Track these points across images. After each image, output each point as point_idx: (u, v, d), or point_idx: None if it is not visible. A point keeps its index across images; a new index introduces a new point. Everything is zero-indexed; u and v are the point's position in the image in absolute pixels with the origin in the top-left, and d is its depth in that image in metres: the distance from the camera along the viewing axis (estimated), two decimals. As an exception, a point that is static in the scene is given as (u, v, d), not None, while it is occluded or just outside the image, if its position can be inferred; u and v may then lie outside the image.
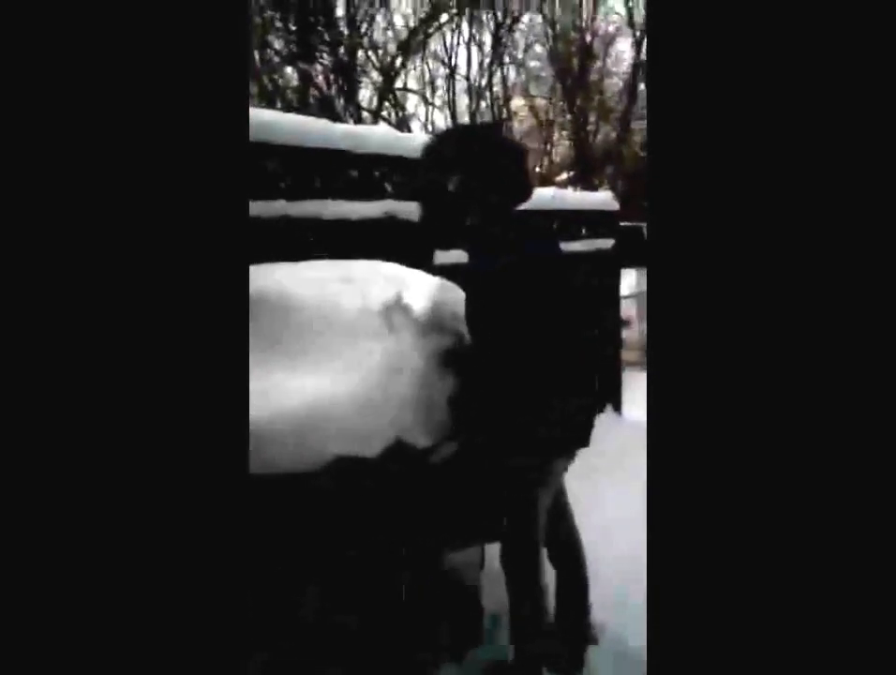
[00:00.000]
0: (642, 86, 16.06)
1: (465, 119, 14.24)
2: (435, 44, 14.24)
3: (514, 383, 1.64)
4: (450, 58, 14.53)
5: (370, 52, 12.49)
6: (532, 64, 15.87)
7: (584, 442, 1.79)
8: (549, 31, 15.30)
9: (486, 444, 1.76)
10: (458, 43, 14.48)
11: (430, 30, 12.96)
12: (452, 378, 1.84)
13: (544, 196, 4.11)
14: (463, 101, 14.69)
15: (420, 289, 2.05)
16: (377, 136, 2.88)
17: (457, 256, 3.38)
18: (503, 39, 14.39)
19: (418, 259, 2.59)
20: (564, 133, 16.77)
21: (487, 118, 15.23)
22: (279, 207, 2.49)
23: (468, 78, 14.50)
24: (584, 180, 14.99)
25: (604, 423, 2.15)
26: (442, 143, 1.75)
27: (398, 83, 13.19)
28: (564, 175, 16.58)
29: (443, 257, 2.91)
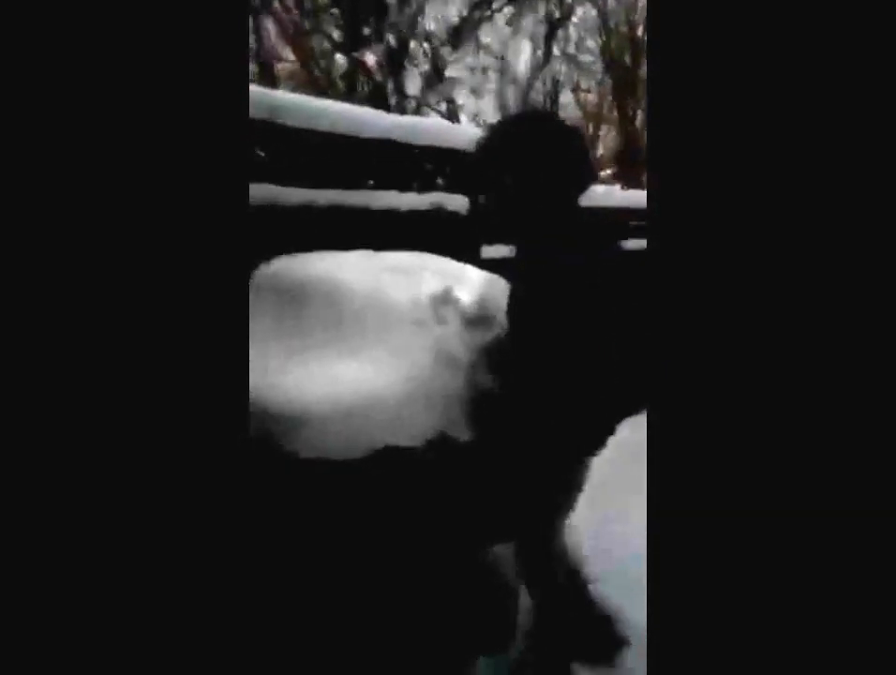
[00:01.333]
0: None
1: (513, 111, 14.14)
2: (486, 36, 14.16)
3: (564, 381, 1.61)
4: (502, 53, 14.41)
5: (422, 42, 12.47)
6: (583, 58, 15.68)
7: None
8: (602, 25, 15.09)
9: (526, 440, 1.75)
10: (510, 35, 14.35)
11: (481, 19, 12.86)
12: (498, 372, 1.84)
13: (594, 193, 4.08)
14: (512, 93, 14.57)
15: (468, 282, 2.06)
16: (428, 127, 2.89)
17: (504, 251, 3.38)
18: (556, 32, 14.24)
19: (465, 252, 2.59)
20: (611, 128, 16.55)
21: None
22: (330, 196, 2.51)
23: (507, 70, 14.38)
24: (630, 176, 14.77)
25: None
26: (499, 134, 1.70)
27: (449, 73, 13.13)
28: (608, 171, 16.38)
29: (490, 251, 2.91)
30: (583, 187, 1.63)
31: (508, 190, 1.59)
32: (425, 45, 12.72)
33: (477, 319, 1.88)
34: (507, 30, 13.72)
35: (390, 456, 1.50)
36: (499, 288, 2.07)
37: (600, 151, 17.21)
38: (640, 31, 15.52)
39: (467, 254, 2.61)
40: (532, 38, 14.42)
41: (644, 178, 14.89)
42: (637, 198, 4.71)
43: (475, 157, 1.71)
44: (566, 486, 1.72)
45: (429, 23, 13.24)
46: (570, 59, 15.30)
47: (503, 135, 1.64)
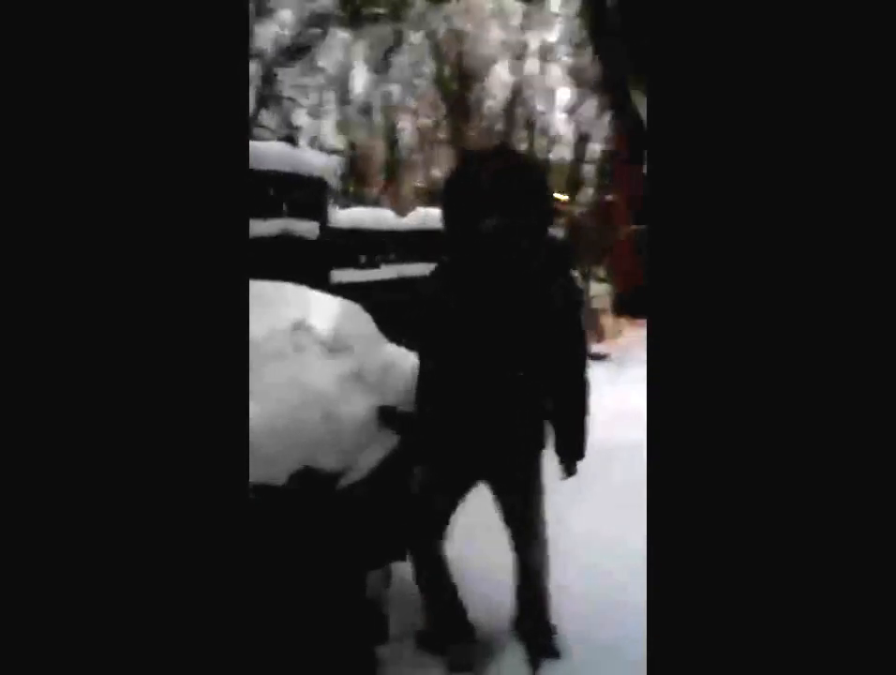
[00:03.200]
0: (519, 107, 16.72)
1: (357, 135, 14.20)
2: (322, 59, 14.14)
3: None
4: (342, 77, 14.47)
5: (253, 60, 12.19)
6: (418, 83, 16.12)
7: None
8: (433, 52, 15.62)
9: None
10: (345, 58, 14.45)
11: (314, 38, 12.83)
12: (359, 399, 1.84)
13: (433, 216, 4.20)
14: (350, 116, 14.66)
15: (323, 310, 2.04)
16: (271, 152, 2.84)
17: (356, 275, 3.38)
18: (390, 57, 14.53)
19: (315, 278, 2.57)
20: (448, 152, 17.12)
21: (378, 133, 15.26)
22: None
23: (346, 93, 14.49)
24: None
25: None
26: (472, 180, 1.70)
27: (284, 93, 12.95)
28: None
29: (340, 276, 2.90)
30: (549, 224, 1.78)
31: (487, 238, 1.65)
32: (257, 63, 12.46)
33: (335, 346, 1.87)
34: (342, 53, 13.80)
35: (252, 493, 1.45)
36: (357, 314, 2.06)
37: (437, 173, 17.72)
38: (468, 57, 16.25)
39: (317, 279, 2.58)
40: (367, 62, 14.61)
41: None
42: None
43: (448, 207, 1.76)
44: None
45: (260, 42, 13.00)
46: (405, 84, 15.67)
47: (479, 181, 1.68)
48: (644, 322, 7.04)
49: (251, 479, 1.47)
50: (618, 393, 4.72)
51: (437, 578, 1.95)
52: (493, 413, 1.75)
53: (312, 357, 1.78)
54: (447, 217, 1.77)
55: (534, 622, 1.98)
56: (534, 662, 1.95)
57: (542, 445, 1.87)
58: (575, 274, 1.90)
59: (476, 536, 2.18)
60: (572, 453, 1.89)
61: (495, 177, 1.66)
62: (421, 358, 1.85)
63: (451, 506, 1.91)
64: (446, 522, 1.93)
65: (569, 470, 1.91)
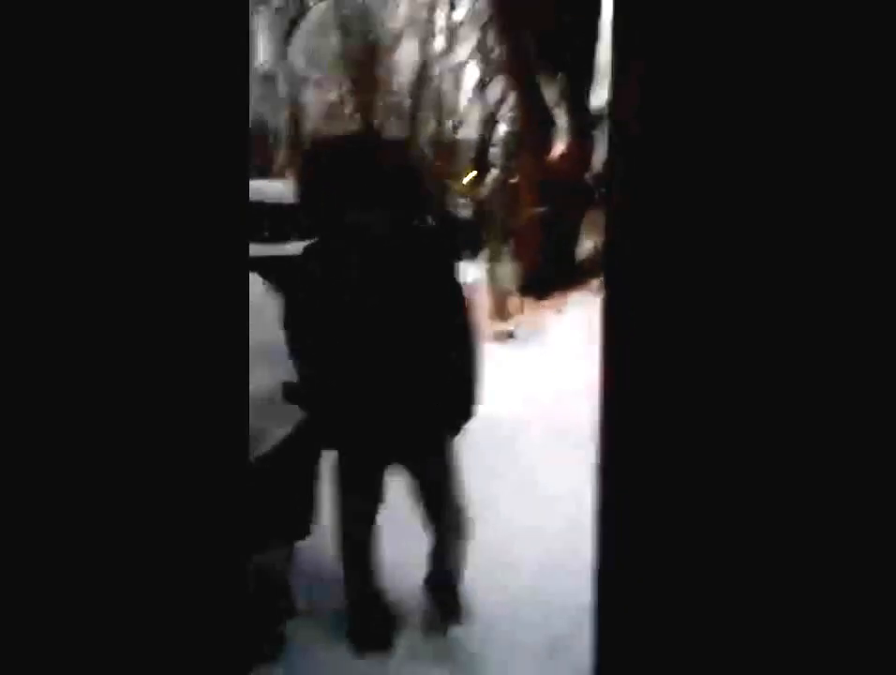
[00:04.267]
0: (426, 87, 16.64)
1: (260, 106, 13.72)
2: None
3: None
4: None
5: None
6: (322, 55, 15.72)
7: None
8: (338, 24, 15.26)
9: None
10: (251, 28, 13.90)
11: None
12: (262, 374, 1.80)
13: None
14: (254, 88, 14.11)
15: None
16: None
17: (260, 250, 3.29)
18: (294, 28, 14.09)
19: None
20: (352, 124, 16.83)
21: (280, 106, 14.77)
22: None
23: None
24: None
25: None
26: (331, 170, 1.64)
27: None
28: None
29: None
30: (421, 213, 1.75)
31: (347, 221, 1.62)
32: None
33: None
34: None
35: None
36: (255, 286, 2.02)
37: (343, 148, 17.46)
38: (374, 32, 15.99)
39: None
40: (271, 32, 14.11)
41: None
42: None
43: (308, 173, 1.69)
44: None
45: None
46: (309, 57, 15.26)
47: (342, 169, 1.61)
48: (545, 303, 7.25)
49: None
50: (523, 370, 4.88)
51: (361, 567, 1.96)
52: (395, 393, 1.73)
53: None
54: (305, 207, 1.71)
55: (443, 581, 2.03)
56: (441, 625, 2.01)
57: (453, 420, 1.86)
58: (455, 260, 1.86)
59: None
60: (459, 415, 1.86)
61: (356, 168, 1.61)
62: (297, 344, 1.80)
63: (370, 499, 1.90)
64: (371, 518, 1.92)
65: (454, 429, 1.88)
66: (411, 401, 1.75)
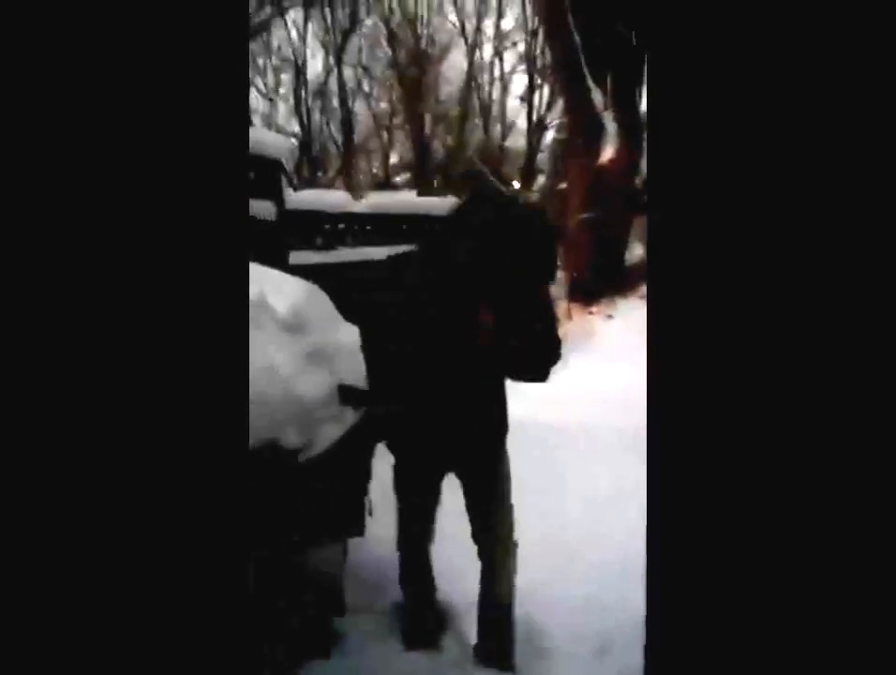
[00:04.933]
0: (474, 94, 16.72)
1: (314, 117, 14.03)
2: (277, 40, 13.92)
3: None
4: (295, 55, 14.20)
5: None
6: (373, 67, 15.98)
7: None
8: (388, 36, 15.48)
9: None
10: (301, 40, 14.22)
11: (269, 19, 12.60)
12: (317, 377, 1.86)
13: (392, 200, 4.22)
14: (305, 98, 14.43)
15: (282, 288, 2.05)
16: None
17: (314, 257, 3.38)
18: (347, 41, 14.36)
19: (273, 258, 2.57)
20: (403, 137, 17.03)
21: (335, 118, 15.08)
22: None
23: (302, 75, 14.26)
24: (421, 181, 15.30)
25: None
26: (481, 215, 1.75)
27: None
28: (402, 177, 16.85)
29: (298, 257, 2.90)
30: (546, 282, 1.81)
31: (471, 267, 1.69)
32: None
33: (295, 323, 1.89)
34: (297, 36, 13.59)
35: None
36: (315, 293, 2.08)
37: (393, 158, 17.63)
38: (424, 43, 16.16)
39: (274, 260, 2.58)
40: (324, 46, 14.41)
41: (435, 183, 15.51)
42: (431, 204, 4.92)
43: (450, 226, 1.85)
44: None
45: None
46: (362, 68, 15.52)
47: (486, 218, 1.72)
48: (593, 309, 7.20)
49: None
50: (572, 376, 4.85)
51: (419, 581, 1.99)
52: (454, 402, 1.77)
53: (271, 335, 1.80)
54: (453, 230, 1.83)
55: (495, 648, 1.97)
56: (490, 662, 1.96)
57: (505, 428, 1.89)
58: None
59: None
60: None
61: (506, 226, 1.71)
62: (375, 340, 1.87)
63: (427, 501, 1.93)
64: (428, 519, 1.95)
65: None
66: (470, 411, 1.79)
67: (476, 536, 1.93)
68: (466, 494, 1.92)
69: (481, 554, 1.93)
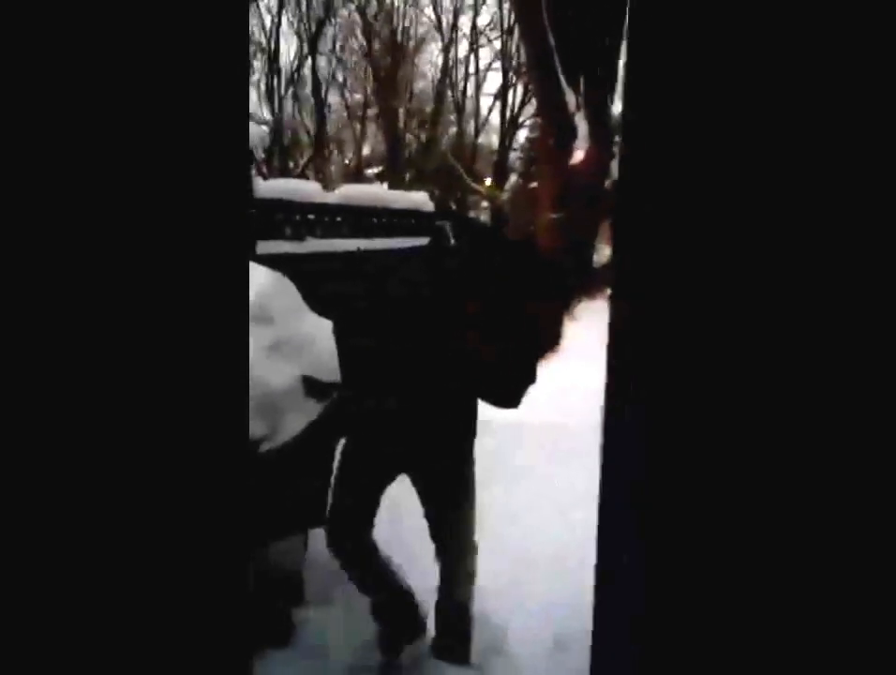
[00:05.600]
0: (448, 90, 16.71)
1: (286, 106, 13.88)
2: (251, 27, 13.71)
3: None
4: (269, 42, 14.00)
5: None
6: (347, 58, 15.85)
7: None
8: (364, 27, 15.37)
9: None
10: (276, 27, 14.02)
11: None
12: (283, 367, 1.87)
13: (364, 192, 4.21)
14: (278, 86, 14.26)
15: (249, 278, 2.05)
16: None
17: (284, 246, 3.37)
18: (321, 29, 14.21)
19: (241, 247, 2.55)
20: (376, 129, 16.94)
21: (307, 107, 14.93)
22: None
23: (274, 62, 14.08)
24: (393, 174, 15.25)
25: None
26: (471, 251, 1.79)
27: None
28: (373, 170, 16.77)
29: (267, 246, 2.88)
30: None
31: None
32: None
33: (259, 315, 1.89)
34: (270, 21, 13.40)
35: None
36: (282, 284, 2.08)
37: (365, 150, 17.53)
38: (399, 35, 16.08)
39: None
40: (298, 34, 14.25)
41: (407, 176, 15.46)
42: (401, 198, 4.93)
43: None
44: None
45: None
46: (336, 58, 15.39)
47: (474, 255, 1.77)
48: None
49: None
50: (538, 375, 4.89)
51: (369, 572, 1.88)
52: (420, 404, 1.72)
53: (237, 324, 1.80)
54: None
55: (453, 644, 1.95)
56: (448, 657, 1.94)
57: (473, 433, 1.84)
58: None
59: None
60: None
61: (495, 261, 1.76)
62: (348, 335, 1.85)
63: (371, 494, 1.84)
64: (367, 511, 1.85)
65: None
66: (436, 414, 1.74)
67: (434, 537, 1.88)
68: (422, 497, 1.85)
69: (439, 554, 1.89)
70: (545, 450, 3.50)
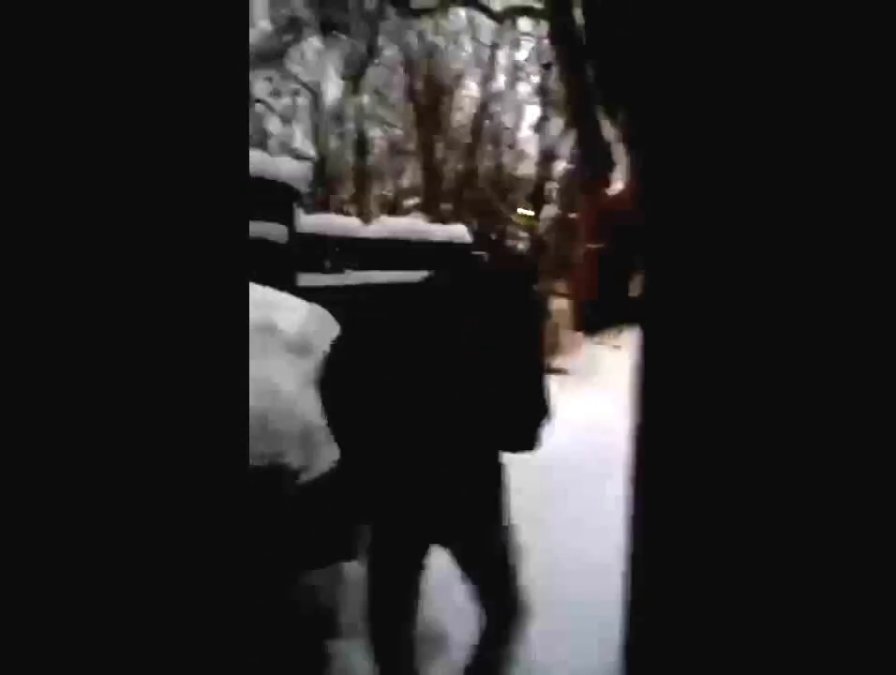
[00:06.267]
0: (487, 122, 16.94)
1: (327, 142, 14.21)
2: (296, 65, 14.18)
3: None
4: (313, 82, 14.43)
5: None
6: (389, 93, 16.22)
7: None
8: (405, 64, 15.73)
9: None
10: (318, 66, 14.47)
11: (287, 44, 12.83)
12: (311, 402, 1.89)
13: (401, 225, 4.28)
14: (322, 123, 14.66)
15: (288, 311, 2.09)
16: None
17: (324, 279, 3.44)
18: (365, 68, 14.61)
19: (282, 280, 2.61)
20: (415, 162, 17.21)
21: (349, 142, 15.27)
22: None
23: (318, 100, 14.49)
24: (432, 206, 15.41)
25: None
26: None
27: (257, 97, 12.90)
28: (412, 201, 17.00)
29: (307, 279, 2.95)
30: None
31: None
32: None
33: (301, 347, 1.93)
34: (316, 62, 13.83)
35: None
36: (321, 316, 2.13)
37: (404, 183, 17.81)
38: (439, 73, 16.40)
39: (284, 282, 2.63)
40: (342, 74, 14.67)
41: (444, 208, 15.62)
42: (438, 231, 4.96)
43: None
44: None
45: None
46: (378, 95, 15.76)
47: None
48: (600, 339, 7.20)
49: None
50: (579, 405, 4.87)
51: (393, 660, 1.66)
52: (444, 468, 1.52)
53: (277, 357, 1.84)
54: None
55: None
56: None
57: (505, 489, 1.62)
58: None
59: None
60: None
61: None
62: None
63: (409, 580, 1.61)
64: (408, 600, 1.62)
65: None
66: (463, 477, 1.54)
67: (478, 601, 1.66)
68: (463, 567, 1.64)
69: (484, 614, 1.67)
70: (581, 480, 3.45)
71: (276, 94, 13.60)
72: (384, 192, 17.60)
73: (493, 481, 1.60)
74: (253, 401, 1.70)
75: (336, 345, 1.60)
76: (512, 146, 17.29)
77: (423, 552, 1.60)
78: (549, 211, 15.87)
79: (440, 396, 1.51)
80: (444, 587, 1.78)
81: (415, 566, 1.60)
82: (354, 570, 2.17)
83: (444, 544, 1.59)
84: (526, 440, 1.59)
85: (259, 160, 2.85)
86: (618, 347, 6.76)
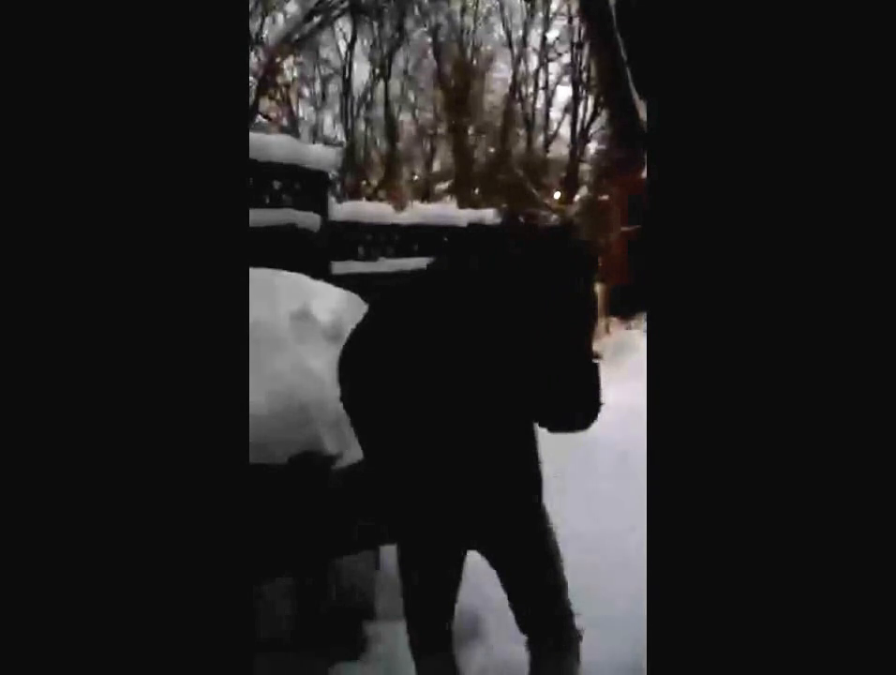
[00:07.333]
0: (517, 104, 16.75)
1: (359, 126, 14.21)
2: (326, 51, 14.21)
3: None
4: (344, 68, 14.44)
5: (253, 47, 12.20)
6: (418, 78, 16.15)
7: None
8: (434, 48, 15.63)
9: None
10: (348, 52, 14.48)
11: (316, 28, 12.84)
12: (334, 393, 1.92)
13: (433, 212, 4.29)
14: (351, 108, 14.69)
15: (324, 299, 2.12)
16: (275, 144, 2.90)
17: (356, 267, 3.47)
18: (394, 53, 14.58)
19: (316, 268, 2.64)
20: (445, 146, 17.14)
21: (379, 127, 15.21)
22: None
23: (348, 85, 14.49)
24: (462, 189, 15.35)
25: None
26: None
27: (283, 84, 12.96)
28: (444, 185, 16.95)
29: (340, 267, 2.97)
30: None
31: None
32: (259, 50, 12.44)
33: (334, 335, 1.95)
34: (345, 46, 13.84)
35: (256, 474, 1.52)
36: (356, 303, 2.14)
37: (435, 166, 17.75)
38: (469, 55, 16.26)
39: (318, 270, 2.66)
40: (371, 59, 14.65)
41: (476, 191, 15.55)
42: (469, 216, 4.95)
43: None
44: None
45: (262, 29, 13.00)
46: (407, 79, 15.70)
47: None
48: (632, 323, 7.14)
49: (254, 461, 1.54)
50: (616, 391, 4.82)
51: (437, 662, 1.59)
52: (473, 462, 1.37)
53: (313, 344, 1.86)
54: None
55: None
56: None
57: (540, 483, 1.47)
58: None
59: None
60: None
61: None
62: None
63: (442, 579, 1.52)
64: (444, 598, 1.54)
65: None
66: (494, 472, 1.40)
67: (525, 626, 1.51)
68: (502, 577, 1.50)
69: (532, 642, 1.52)
70: (611, 463, 3.44)
71: (307, 80, 13.64)
72: (415, 177, 17.57)
73: (527, 478, 1.46)
74: (290, 389, 1.74)
75: (357, 333, 1.46)
76: (543, 128, 17.10)
77: (453, 553, 1.51)
78: (582, 193, 15.70)
79: (469, 385, 1.37)
80: (477, 571, 1.78)
81: (447, 565, 1.51)
82: (390, 553, 2.20)
83: (476, 545, 1.48)
84: (576, 422, 1.46)
85: (290, 147, 2.87)
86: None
